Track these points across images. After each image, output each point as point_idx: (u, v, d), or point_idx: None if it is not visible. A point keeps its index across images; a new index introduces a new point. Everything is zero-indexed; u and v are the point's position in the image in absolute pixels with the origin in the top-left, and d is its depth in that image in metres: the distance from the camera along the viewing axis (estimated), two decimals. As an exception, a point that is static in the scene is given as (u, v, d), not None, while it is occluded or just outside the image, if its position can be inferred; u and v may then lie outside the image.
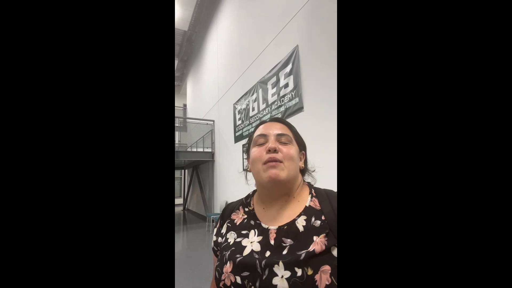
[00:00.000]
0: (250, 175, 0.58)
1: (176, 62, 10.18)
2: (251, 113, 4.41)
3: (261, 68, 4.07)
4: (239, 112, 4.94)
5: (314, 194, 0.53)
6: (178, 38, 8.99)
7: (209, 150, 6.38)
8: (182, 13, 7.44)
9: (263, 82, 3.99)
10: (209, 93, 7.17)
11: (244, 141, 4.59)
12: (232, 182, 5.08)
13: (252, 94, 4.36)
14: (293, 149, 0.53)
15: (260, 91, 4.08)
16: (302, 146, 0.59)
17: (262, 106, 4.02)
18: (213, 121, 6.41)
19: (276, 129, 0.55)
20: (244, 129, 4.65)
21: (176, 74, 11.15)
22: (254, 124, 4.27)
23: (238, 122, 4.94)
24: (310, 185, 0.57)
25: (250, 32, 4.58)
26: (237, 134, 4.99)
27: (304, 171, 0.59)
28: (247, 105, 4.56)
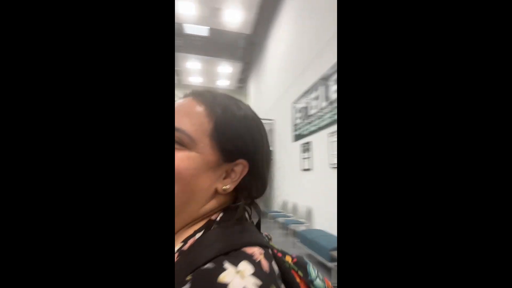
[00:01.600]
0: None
1: (240, 65, 10.76)
2: (311, 112, 4.30)
3: (322, 65, 3.91)
4: (298, 111, 4.88)
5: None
6: (241, 42, 9.48)
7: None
8: (245, 17, 7.81)
9: (324, 79, 3.83)
10: (269, 93, 7.32)
11: (304, 140, 4.52)
12: (290, 182, 5.07)
13: (313, 92, 4.24)
14: (180, 158, 0.28)
15: (321, 88, 3.94)
16: (238, 151, 0.30)
17: (323, 104, 3.88)
18: (273, 120, 6.52)
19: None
20: (303, 128, 4.57)
21: (240, 76, 11.79)
22: (314, 123, 4.15)
23: (298, 121, 4.89)
24: (211, 224, 0.30)
25: (310, 28, 4.46)
26: (295, 133, 4.95)
27: (238, 195, 0.32)
28: (307, 103, 4.46)
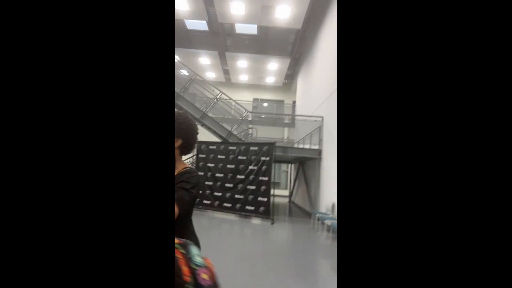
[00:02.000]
0: None
1: (287, 61, 10.59)
2: (365, 108, 3.92)
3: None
4: (351, 107, 4.52)
5: None
6: (291, 37, 9.29)
7: (316, 147, 6.26)
8: (295, 12, 7.61)
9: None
10: (318, 89, 7.01)
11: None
12: (340, 182, 4.75)
13: (368, 86, 3.86)
14: None
15: (378, 82, 3.55)
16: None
17: (380, 100, 3.49)
18: (322, 117, 6.21)
19: None
20: (356, 126, 4.21)
21: (288, 72, 11.62)
22: (368, 120, 3.78)
23: (350, 118, 4.53)
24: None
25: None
26: (347, 131, 4.60)
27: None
28: (361, 99, 4.09)
